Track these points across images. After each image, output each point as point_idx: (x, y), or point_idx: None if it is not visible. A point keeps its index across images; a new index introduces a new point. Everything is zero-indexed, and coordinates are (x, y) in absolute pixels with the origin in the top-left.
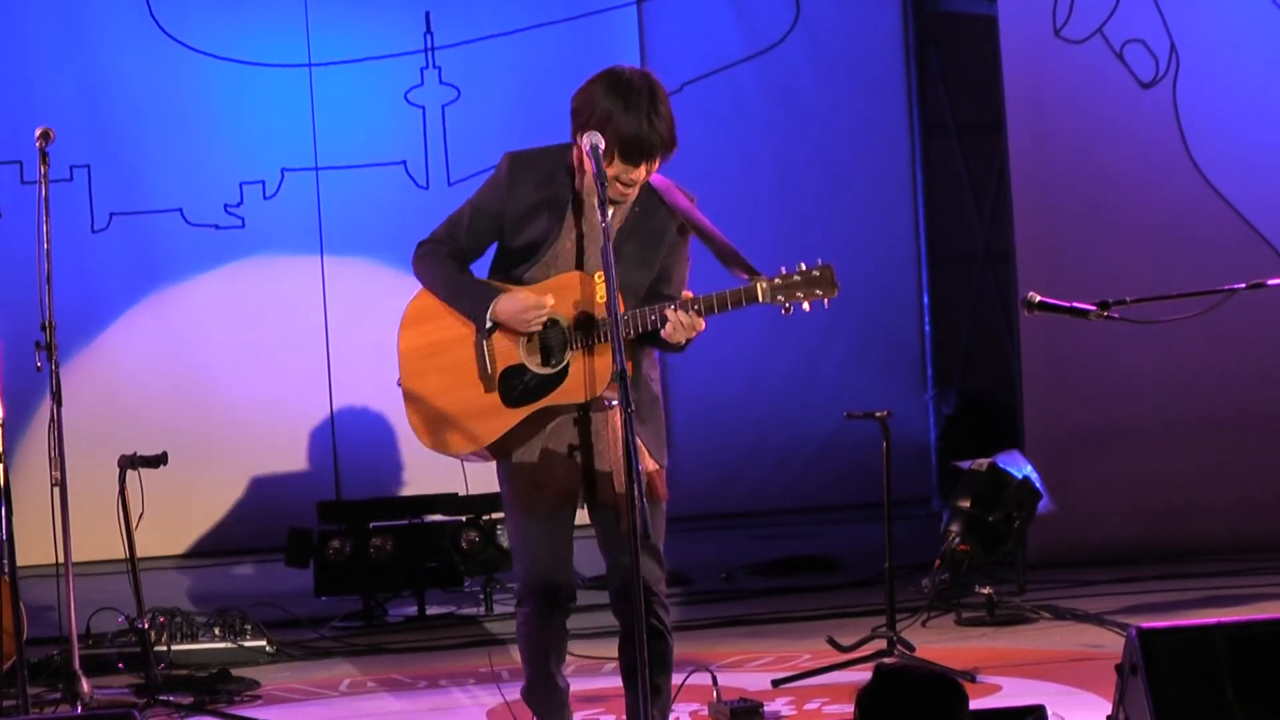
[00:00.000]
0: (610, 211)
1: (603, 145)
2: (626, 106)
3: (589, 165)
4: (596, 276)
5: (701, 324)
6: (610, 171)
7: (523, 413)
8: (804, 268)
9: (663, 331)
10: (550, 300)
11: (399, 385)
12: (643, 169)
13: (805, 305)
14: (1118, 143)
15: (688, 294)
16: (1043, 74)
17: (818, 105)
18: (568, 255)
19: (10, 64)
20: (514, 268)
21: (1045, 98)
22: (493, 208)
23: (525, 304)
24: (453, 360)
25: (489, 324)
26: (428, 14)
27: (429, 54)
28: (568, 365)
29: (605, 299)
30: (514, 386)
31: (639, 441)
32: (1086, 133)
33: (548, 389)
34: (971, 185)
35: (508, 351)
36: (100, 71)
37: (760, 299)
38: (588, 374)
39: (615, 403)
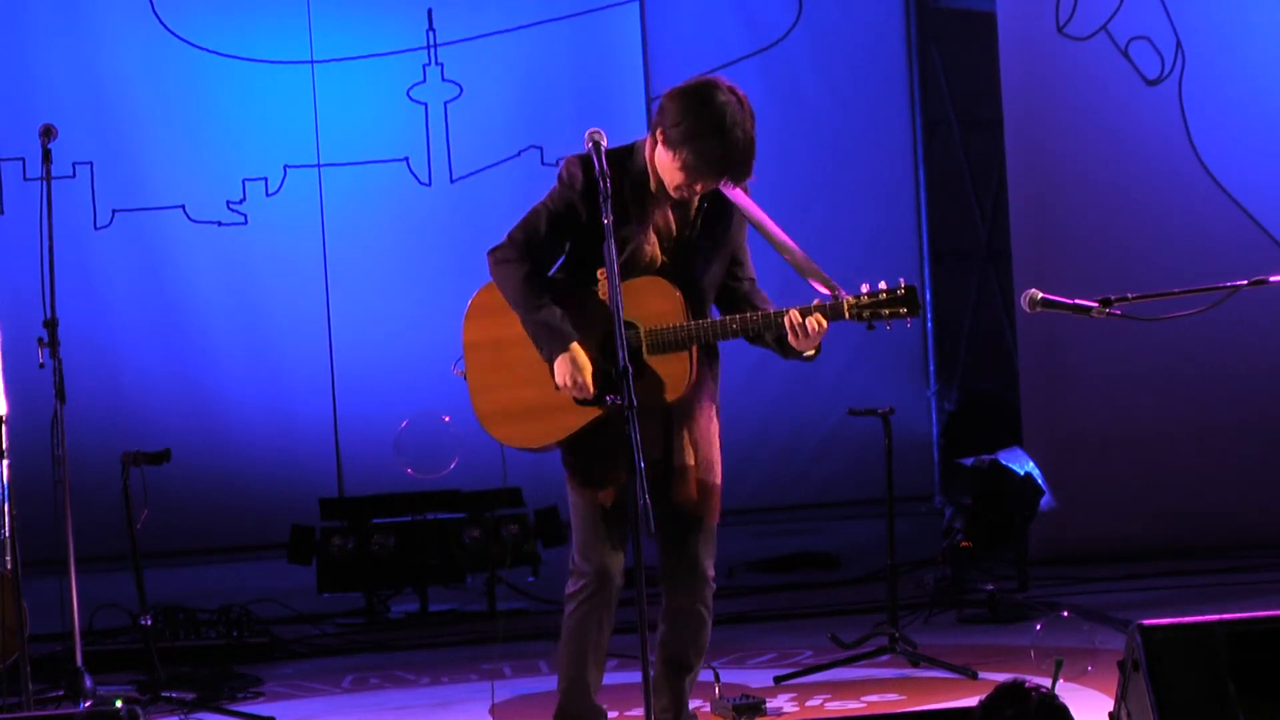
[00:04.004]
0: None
1: (604, 142)
2: (717, 128)
3: (670, 169)
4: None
5: (825, 325)
6: (683, 178)
7: (593, 412)
8: (885, 287)
9: (790, 339)
10: (586, 385)
11: (458, 372)
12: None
13: (888, 325)
14: (1123, 140)
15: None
16: (1044, 71)
17: (820, 102)
18: (644, 256)
19: (13, 60)
20: (592, 267)
21: (1047, 94)
22: (568, 211)
23: (571, 380)
24: (522, 356)
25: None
26: (430, 11)
27: (431, 51)
28: (642, 367)
29: (608, 295)
30: None
31: (686, 438)
32: (1091, 130)
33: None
34: (973, 181)
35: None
36: (103, 68)
37: (846, 315)
38: (659, 378)
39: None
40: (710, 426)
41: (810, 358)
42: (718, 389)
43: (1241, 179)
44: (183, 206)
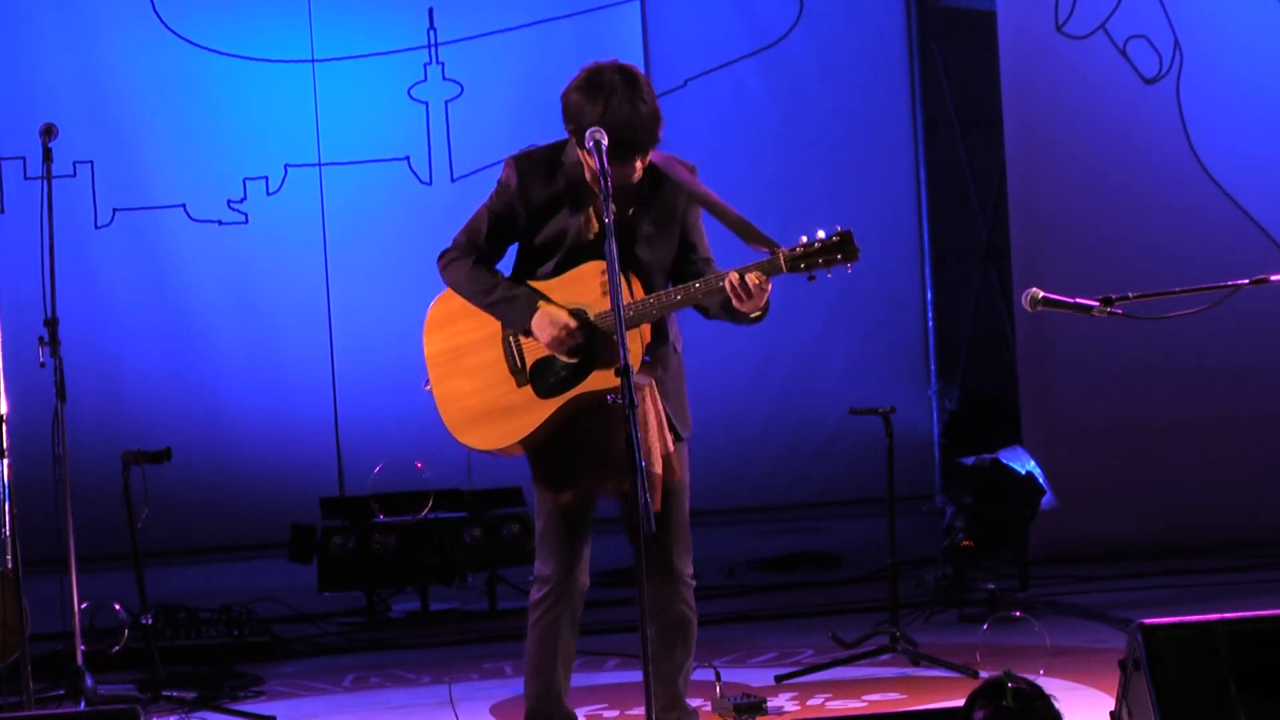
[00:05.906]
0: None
1: (605, 141)
2: (606, 108)
3: (592, 161)
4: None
5: (764, 281)
6: (598, 164)
7: (556, 403)
8: (823, 235)
9: (735, 303)
10: (575, 327)
11: (426, 389)
12: (636, 163)
13: (828, 273)
14: (1121, 139)
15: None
16: (1044, 70)
17: (820, 101)
18: (589, 246)
19: (14, 59)
20: (538, 263)
21: (1046, 93)
22: (508, 211)
23: (558, 328)
24: (481, 360)
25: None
26: (431, 10)
27: (432, 50)
28: (596, 353)
29: (609, 293)
30: (545, 378)
31: (664, 418)
32: (1089, 129)
33: (578, 378)
34: (974, 181)
35: (536, 345)
36: (104, 67)
37: (784, 269)
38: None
39: (645, 382)
40: (648, 411)
41: (757, 319)
42: (668, 374)
43: (1238, 177)
44: (183, 205)
